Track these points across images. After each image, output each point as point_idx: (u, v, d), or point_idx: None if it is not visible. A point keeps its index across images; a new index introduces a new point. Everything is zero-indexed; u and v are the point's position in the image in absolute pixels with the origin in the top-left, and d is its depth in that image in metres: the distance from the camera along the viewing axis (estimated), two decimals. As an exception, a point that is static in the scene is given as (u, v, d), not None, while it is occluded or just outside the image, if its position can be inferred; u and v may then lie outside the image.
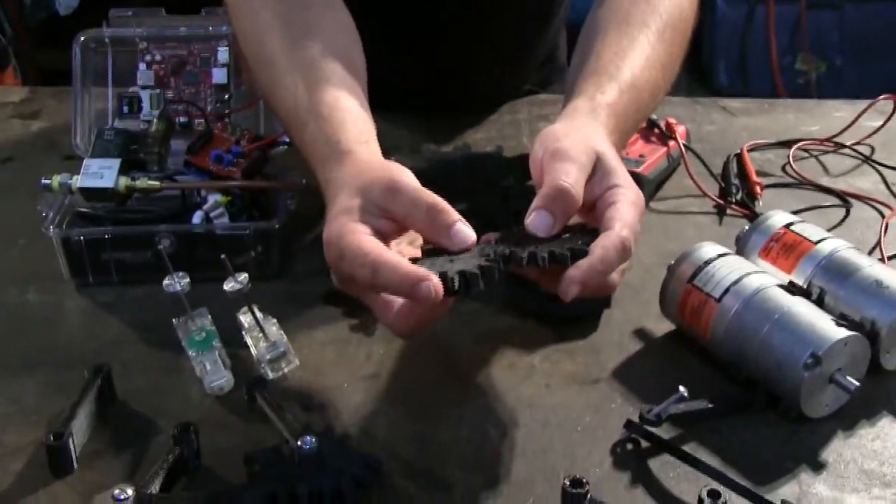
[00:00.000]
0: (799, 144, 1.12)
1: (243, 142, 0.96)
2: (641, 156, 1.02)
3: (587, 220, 0.74)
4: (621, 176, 0.72)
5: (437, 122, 1.17)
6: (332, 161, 0.74)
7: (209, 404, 0.77)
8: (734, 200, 1.01)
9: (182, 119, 1.01)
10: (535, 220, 0.69)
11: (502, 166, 0.99)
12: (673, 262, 0.82)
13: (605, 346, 0.83)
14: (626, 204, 0.70)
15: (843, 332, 0.71)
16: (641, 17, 0.86)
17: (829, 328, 0.72)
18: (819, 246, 0.80)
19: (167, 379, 0.80)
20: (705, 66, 3.13)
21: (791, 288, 0.76)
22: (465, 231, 0.68)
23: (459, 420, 0.75)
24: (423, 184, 0.95)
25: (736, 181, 1.04)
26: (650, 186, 1.01)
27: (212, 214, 0.90)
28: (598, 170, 0.72)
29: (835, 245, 0.80)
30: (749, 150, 1.11)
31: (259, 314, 0.81)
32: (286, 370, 0.80)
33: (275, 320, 0.82)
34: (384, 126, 1.14)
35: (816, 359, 0.70)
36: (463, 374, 0.80)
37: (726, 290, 0.76)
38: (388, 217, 0.69)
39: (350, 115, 0.77)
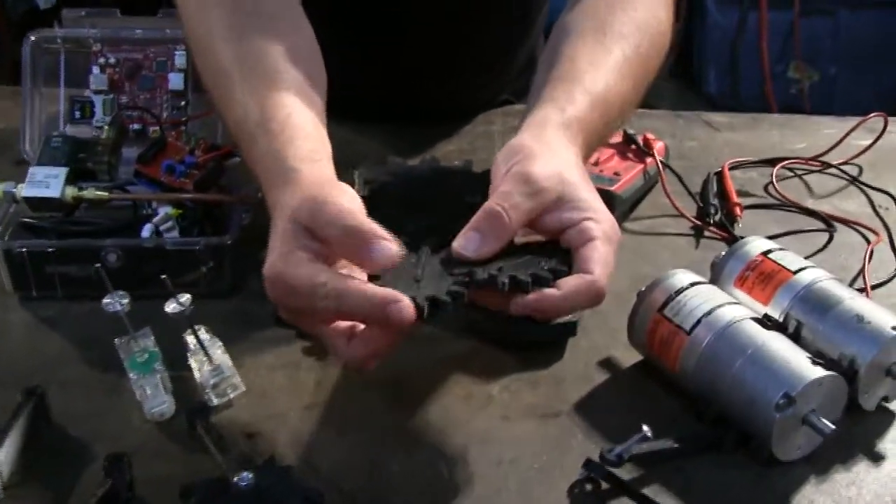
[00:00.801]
0: (783, 163, 1.08)
1: (198, 151, 0.91)
2: (616, 173, 0.98)
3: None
4: (596, 207, 0.68)
5: (408, 133, 1.13)
6: (279, 181, 0.69)
7: (149, 430, 0.73)
8: (712, 222, 0.97)
9: (136, 126, 0.97)
10: (461, 240, 0.66)
11: (471, 181, 0.94)
12: (643, 289, 0.77)
13: (568, 376, 0.78)
14: (603, 242, 0.66)
15: (818, 372, 0.67)
16: (619, 27, 0.82)
17: (804, 366, 0.67)
18: (798, 276, 0.76)
19: (108, 401, 0.76)
20: (695, 73, 3.09)
21: (765, 321, 0.72)
22: (387, 247, 0.62)
23: (409, 454, 0.70)
24: (388, 198, 0.92)
25: (715, 201, 1.00)
26: (624, 206, 0.97)
27: (161, 228, 0.86)
28: (568, 199, 0.67)
29: (815, 275, 0.75)
30: (731, 168, 1.07)
31: (206, 335, 0.77)
32: (231, 396, 0.75)
33: (220, 343, 0.77)
34: (351, 136, 1.10)
35: (789, 399, 0.66)
36: (416, 404, 0.76)
37: (698, 322, 0.72)
38: (320, 240, 0.64)
39: (301, 132, 0.72)
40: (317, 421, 0.74)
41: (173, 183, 0.89)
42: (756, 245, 0.80)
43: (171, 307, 0.74)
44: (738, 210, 0.98)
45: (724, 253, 0.81)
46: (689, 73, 3.09)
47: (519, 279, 0.64)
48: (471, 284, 0.64)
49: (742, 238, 0.82)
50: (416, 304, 0.60)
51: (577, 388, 0.77)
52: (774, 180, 1.05)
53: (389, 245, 0.62)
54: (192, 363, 0.76)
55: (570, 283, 0.64)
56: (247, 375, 0.77)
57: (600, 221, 0.67)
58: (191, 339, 0.78)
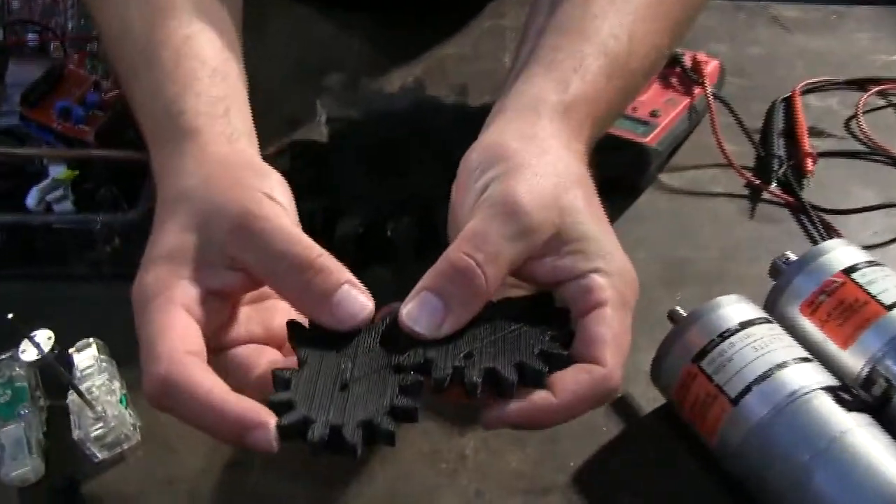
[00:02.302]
0: (875, 89, 0.83)
1: (106, 83, 0.70)
2: (654, 113, 0.74)
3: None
4: (605, 248, 0.46)
5: (401, 28, 0.90)
6: (169, 140, 0.49)
7: (8, 499, 0.55)
8: (775, 178, 0.75)
9: (32, 40, 0.74)
10: (413, 307, 0.44)
11: (463, 124, 0.71)
12: (677, 316, 0.57)
13: (567, 428, 0.58)
14: (615, 308, 0.45)
15: (919, 494, 0.47)
16: None
17: (897, 481, 0.47)
18: (893, 313, 0.54)
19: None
20: None
21: (845, 395, 0.51)
22: (356, 299, 0.44)
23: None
24: (355, 145, 0.71)
25: (780, 149, 0.77)
26: (659, 159, 0.74)
27: (49, 198, 0.66)
28: (568, 236, 0.46)
29: (918, 313, 0.54)
30: (804, 92, 0.83)
31: (92, 358, 0.58)
32: (125, 447, 0.57)
33: (113, 369, 0.59)
34: (335, 31, 0.89)
35: (875, 532, 0.46)
36: (364, 464, 0.57)
37: (747, 389, 0.52)
38: (237, 268, 0.45)
39: (205, 68, 0.51)
40: (235, 485, 0.56)
41: (69, 131, 0.68)
42: (837, 257, 0.58)
43: (25, 353, 0.54)
44: (809, 163, 0.75)
45: (792, 258, 0.60)
46: None
47: (500, 377, 0.43)
48: (424, 388, 0.43)
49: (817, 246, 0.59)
50: (345, 441, 0.40)
51: (578, 447, 0.58)
52: (860, 113, 0.81)
53: (359, 297, 0.45)
54: (71, 404, 0.57)
55: (570, 384, 0.44)
56: (148, 408, 0.58)
57: (611, 274, 0.46)
58: (79, 356, 0.59)
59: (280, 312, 0.48)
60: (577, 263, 0.46)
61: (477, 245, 0.44)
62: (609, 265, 0.46)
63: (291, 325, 0.45)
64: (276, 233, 0.44)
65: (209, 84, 0.51)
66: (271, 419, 0.40)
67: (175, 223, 0.45)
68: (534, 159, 0.47)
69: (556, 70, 0.52)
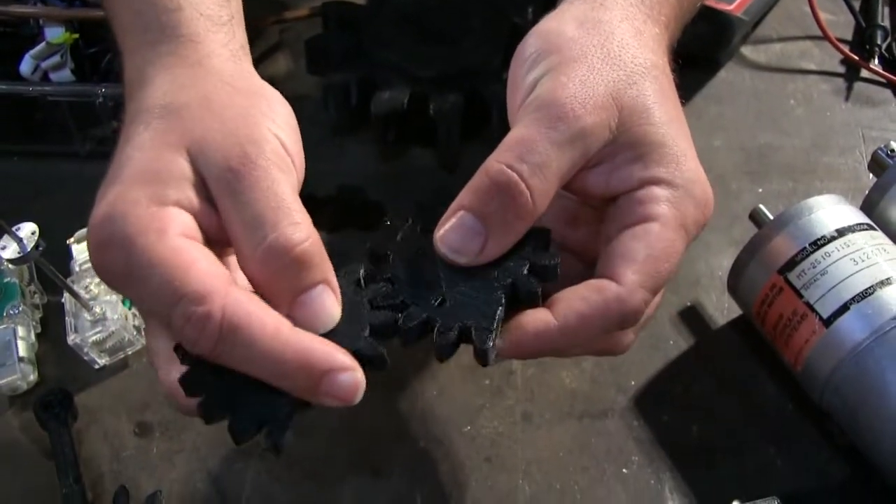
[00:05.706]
0: None
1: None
2: (739, -24, 0.65)
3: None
4: (671, 157, 0.38)
5: None
6: (156, 40, 0.40)
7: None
8: (877, 53, 0.65)
9: None
10: (450, 234, 0.37)
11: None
12: (762, 218, 0.49)
13: (631, 341, 0.52)
14: (664, 229, 0.37)
15: None
16: None
17: None
18: None
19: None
20: None
21: (961, 318, 0.43)
22: (324, 310, 0.35)
23: (376, 472, 0.47)
24: (399, 8, 0.62)
25: (884, 21, 0.67)
26: (743, 30, 0.65)
27: (44, 65, 0.58)
28: (627, 139, 0.38)
29: None
30: (914, -48, 0.72)
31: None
32: (129, 353, 0.51)
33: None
34: None
35: None
36: (396, 378, 0.50)
37: (843, 308, 0.44)
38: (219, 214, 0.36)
39: None
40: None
41: (67, -12, 0.60)
42: (956, 149, 0.49)
43: (5, 250, 0.47)
44: (918, 35, 0.66)
45: (896, 150, 0.51)
46: None
47: (464, 327, 0.37)
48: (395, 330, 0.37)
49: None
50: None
51: (641, 364, 0.51)
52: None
53: (329, 301, 0.36)
54: (67, 303, 0.51)
55: (574, 303, 0.36)
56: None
57: (675, 185, 0.37)
58: (76, 248, 0.53)
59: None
60: (634, 173, 0.38)
61: (520, 154, 0.36)
62: (674, 175, 0.38)
63: None
64: (267, 193, 0.35)
65: None
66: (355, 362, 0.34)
67: (160, 140, 0.36)
68: (591, 50, 0.39)
69: None
